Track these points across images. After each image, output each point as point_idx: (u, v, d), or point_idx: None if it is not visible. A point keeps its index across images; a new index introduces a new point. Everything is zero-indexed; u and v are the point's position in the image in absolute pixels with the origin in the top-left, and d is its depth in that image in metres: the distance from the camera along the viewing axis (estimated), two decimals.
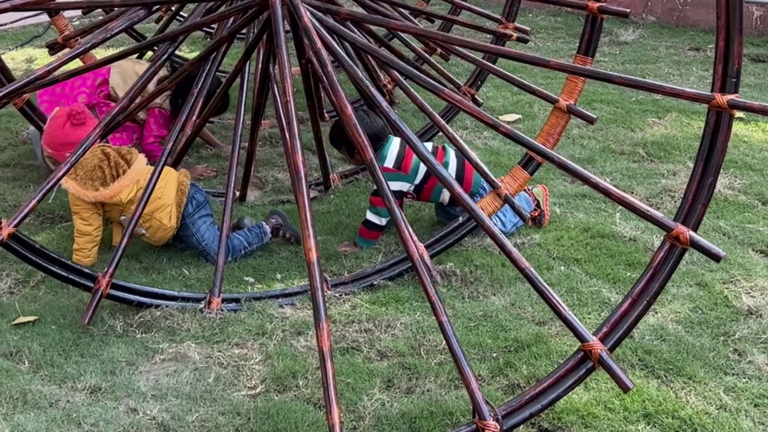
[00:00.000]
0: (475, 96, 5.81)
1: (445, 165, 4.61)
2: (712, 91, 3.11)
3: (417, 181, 4.64)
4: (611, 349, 3.12)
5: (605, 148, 6.00)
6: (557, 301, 3.12)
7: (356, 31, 4.97)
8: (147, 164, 4.57)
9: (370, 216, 4.63)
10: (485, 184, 4.64)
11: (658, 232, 4.62)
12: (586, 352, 3.10)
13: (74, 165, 3.88)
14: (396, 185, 4.57)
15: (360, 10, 5.16)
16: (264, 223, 4.72)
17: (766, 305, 4.04)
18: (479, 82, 5.89)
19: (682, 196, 5.04)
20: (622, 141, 6.12)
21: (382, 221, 4.63)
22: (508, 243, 3.16)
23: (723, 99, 3.07)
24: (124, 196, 4.39)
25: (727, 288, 4.20)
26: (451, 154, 4.71)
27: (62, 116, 4.74)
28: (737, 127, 6.27)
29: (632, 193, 5.24)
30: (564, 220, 4.92)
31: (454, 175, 4.58)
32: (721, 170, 5.38)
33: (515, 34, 5.40)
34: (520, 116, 6.66)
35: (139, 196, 4.26)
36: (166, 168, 4.56)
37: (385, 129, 4.72)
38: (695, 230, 3.10)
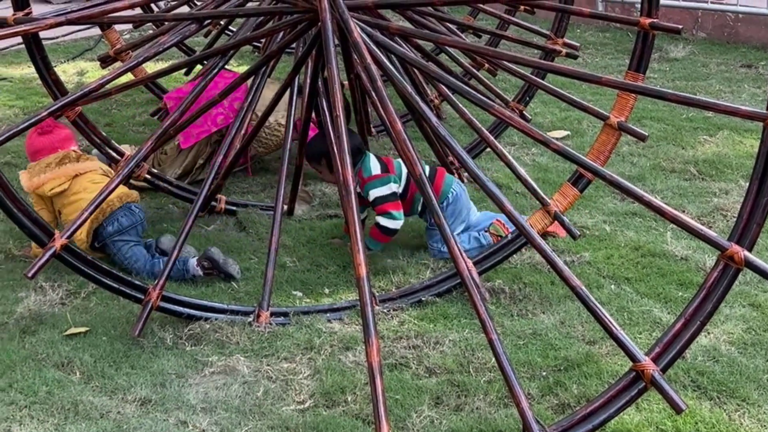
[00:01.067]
0: (524, 112, 5.78)
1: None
2: (767, 109, 3.08)
3: (402, 181, 4.70)
4: (664, 370, 3.07)
5: (656, 165, 5.94)
6: (609, 320, 3.09)
7: (405, 46, 4.99)
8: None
9: (384, 221, 4.63)
10: (455, 186, 4.72)
11: (710, 252, 4.56)
12: (638, 372, 3.07)
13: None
14: (392, 187, 4.63)
15: (408, 25, 5.18)
16: (192, 259, 4.60)
17: None
18: (527, 98, 5.87)
19: (734, 215, 5.04)
20: (673, 159, 6.06)
21: (397, 224, 4.65)
22: (559, 261, 3.14)
23: None
24: (47, 188, 4.65)
25: None
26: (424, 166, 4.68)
27: (33, 130, 4.86)
28: None
29: (683, 211, 5.18)
30: (614, 238, 4.88)
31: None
32: None
33: (564, 50, 5.38)
34: (568, 132, 6.63)
35: (71, 195, 4.65)
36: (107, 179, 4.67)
37: (363, 145, 4.81)
38: (750, 250, 3.06)
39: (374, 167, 4.68)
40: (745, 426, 3.32)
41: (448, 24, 5.47)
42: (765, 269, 3.01)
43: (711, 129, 6.65)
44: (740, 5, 9.23)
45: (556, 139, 6.37)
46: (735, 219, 4.90)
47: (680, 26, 4.13)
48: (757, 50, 9.06)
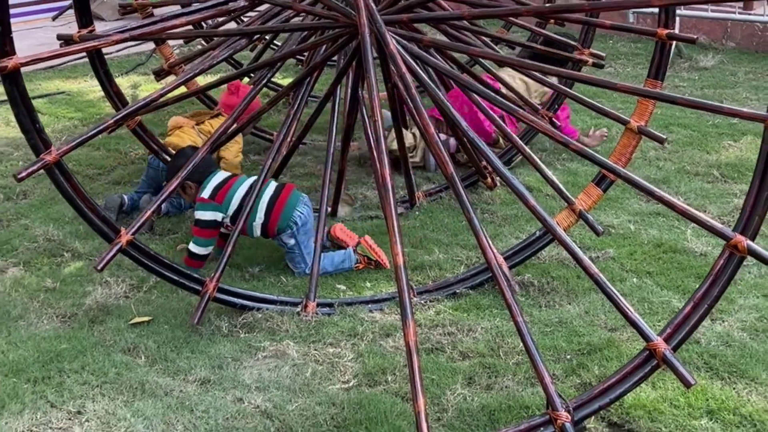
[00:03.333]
0: (553, 119, 6.10)
1: (261, 193, 4.78)
2: (767, 111, 3.38)
3: (230, 211, 4.79)
4: (674, 349, 3.38)
5: (680, 169, 6.24)
6: (624, 304, 3.41)
7: (439, 57, 5.33)
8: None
9: (193, 246, 4.79)
10: (297, 219, 4.85)
11: None
12: (651, 351, 3.38)
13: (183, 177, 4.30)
14: (208, 215, 4.79)
15: (443, 37, 5.52)
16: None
17: None
18: (556, 106, 6.18)
19: None
20: (698, 162, 6.34)
21: (203, 251, 4.80)
22: (579, 251, 3.47)
23: None
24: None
25: None
26: (271, 185, 4.92)
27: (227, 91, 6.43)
28: None
29: (705, 211, 5.47)
30: (638, 236, 5.18)
31: (266, 205, 4.81)
32: None
33: (591, 60, 5.70)
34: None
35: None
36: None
37: (213, 164, 5.10)
38: (753, 239, 3.36)
39: (206, 191, 4.83)
40: (752, 402, 3.62)
41: (483, 37, 5.82)
42: (766, 256, 3.31)
43: (736, 134, 6.92)
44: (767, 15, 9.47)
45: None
46: None
47: (695, 36, 4.45)
48: None
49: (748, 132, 6.91)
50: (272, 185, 4.95)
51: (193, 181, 4.94)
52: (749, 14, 9.70)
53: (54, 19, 11.13)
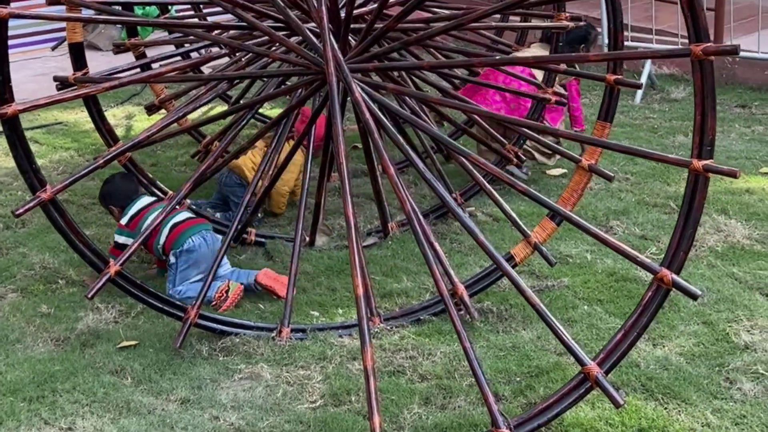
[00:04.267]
0: (519, 153, 6.47)
1: (169, 219, 5.26)
2: (691, 157, 3.76)
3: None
4: (607, 372, 3.77)
5: (640, 200, 6.62)
6: (562, 331, 3.79)
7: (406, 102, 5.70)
8: None
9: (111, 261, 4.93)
10: (185, 244, 5.28)
11: None
12: (585, 374, 3.76)
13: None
14: (121, 239, 5.37)
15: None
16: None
17: (761, 341, 4.63)
18: (522, 141, 6.53)
19: (702, 245, 5.71)
20: (657, 194, 6.73)
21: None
22: (522, 283, 3.86)
23: (699, 164, 3.71)
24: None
25: (729, 326, 4.79)
26: (182, 214, 5.45)
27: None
28: (764, 182, 6.84)
29: (658, 242, 5.85)
30: (593, 266, 5.56)
31: (168, 229, 5.32)
32: (744, 221, 6.01)
33: (554, 98, 6.11)
34: (565, 171, 7.30)
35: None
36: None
37: (138, 191, 5.61)
38: (678, 273, 3.73)
39: (125, 218, 5.40)
40: (680, 421, 4.00)
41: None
42: (688, 289, 3.68)
43: None
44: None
45: (554, 176, 7.12)
46: (702, 248, 5.60)
47: (641, 82, 4.84)
48: (753, 91, 9.69)
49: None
50: (183, 214, 5.48)
51: (116, 207, 5.53)
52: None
53: (53, 49, 11.50)
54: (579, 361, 3.76)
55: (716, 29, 9.99)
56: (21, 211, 4.23)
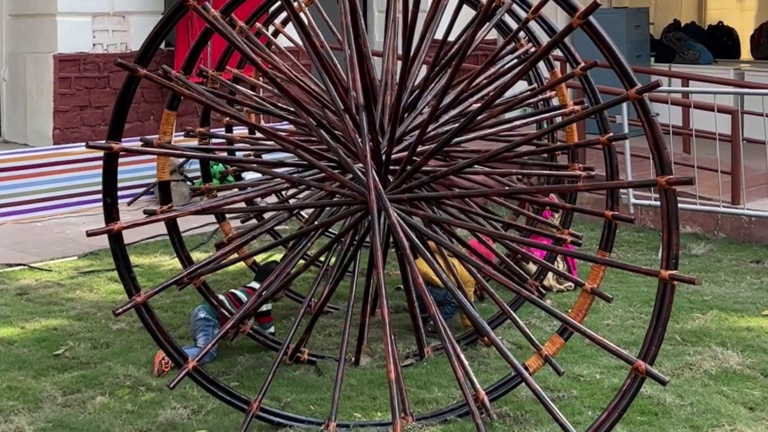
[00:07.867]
0: (538, 287, 7.37)
1: None
2: (660, 267, 4.68)
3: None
4: None
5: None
6: (566, 424, 4.64)
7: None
8: None
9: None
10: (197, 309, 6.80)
11: (662, 390, 6.05)
12: None
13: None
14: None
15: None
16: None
17: None
18: (544, 273, 7.46)
19: (699, 368, 6.52)
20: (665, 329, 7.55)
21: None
22: (535, 385, 4.74)
23: (666, 273, 4.63)
24: None
25: (713, 430, 5.57)
26: None
27: None
28: (764, 322, 7.67)
29: (660, 366, 6.66)
30: (601, 383, 6.39)
31: None
32: (739, 351, 6.81)
33: (569, 238, 7.07)
34: (573, 285, 8.22)
35: None
36: None
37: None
38: (651, 364, 4.59)
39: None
40: None
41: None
42: (657, 376, 4.54)
43: (704, 309, 8.12)
44: (752, 209, 10.81)
45: (563, 288, 8.09)
46: (699, 371, 6.43)
47: (633, 216, 5.79)
48: (767, 248, 10.56)
49: (715, 307, 8.13)
50: None
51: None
52: (735, 208, 10.99)
53: (129, 204, 12.74)
54: None
55: (733, 190, 11.02)
56: (120, 310, 5.22)
